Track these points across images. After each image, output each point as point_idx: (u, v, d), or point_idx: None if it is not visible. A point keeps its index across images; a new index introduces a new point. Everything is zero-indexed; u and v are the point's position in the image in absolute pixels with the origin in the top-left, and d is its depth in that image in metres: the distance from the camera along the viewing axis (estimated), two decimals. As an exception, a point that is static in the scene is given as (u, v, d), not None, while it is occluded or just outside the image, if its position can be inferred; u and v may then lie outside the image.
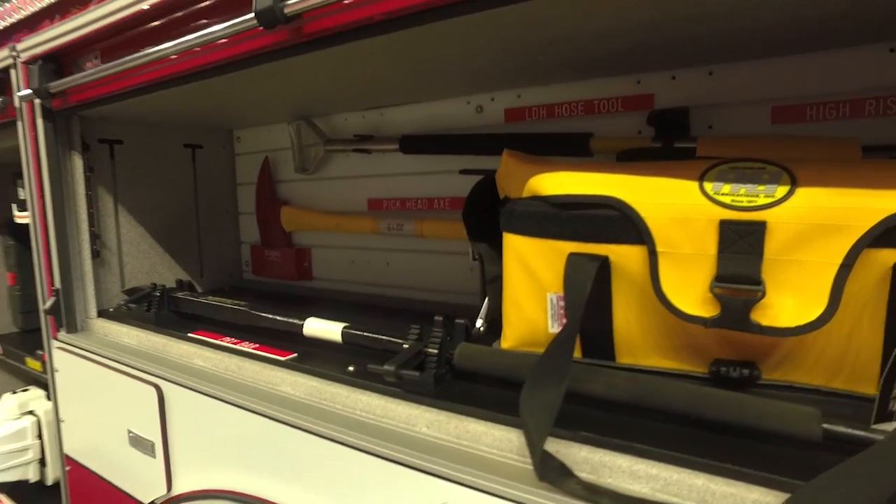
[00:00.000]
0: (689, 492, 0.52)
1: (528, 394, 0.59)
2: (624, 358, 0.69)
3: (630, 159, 0.76)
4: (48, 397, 1.96)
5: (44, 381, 1.66)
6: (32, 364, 1.77)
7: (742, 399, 0.56)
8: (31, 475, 2.02)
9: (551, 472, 0.55)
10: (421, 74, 1.00)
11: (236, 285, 1.66)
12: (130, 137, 1.39)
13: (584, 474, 0.56)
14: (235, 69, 0.80)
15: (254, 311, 1.04)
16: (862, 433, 0.50)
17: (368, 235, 1.35)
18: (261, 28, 0.67)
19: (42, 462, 2.03)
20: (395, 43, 0.73)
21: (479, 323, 0.83)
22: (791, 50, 0.79)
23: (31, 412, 2.03)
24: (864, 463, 0.42)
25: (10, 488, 2.06)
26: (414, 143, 1.19)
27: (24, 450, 1.99)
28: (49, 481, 2.01)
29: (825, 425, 0.51)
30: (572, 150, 0.95)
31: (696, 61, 0.87)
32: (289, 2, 0.65)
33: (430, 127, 1.21)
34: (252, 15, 0.67)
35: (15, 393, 2.08)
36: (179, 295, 1.20)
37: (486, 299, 0.84)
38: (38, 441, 2.00)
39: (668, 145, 0.85)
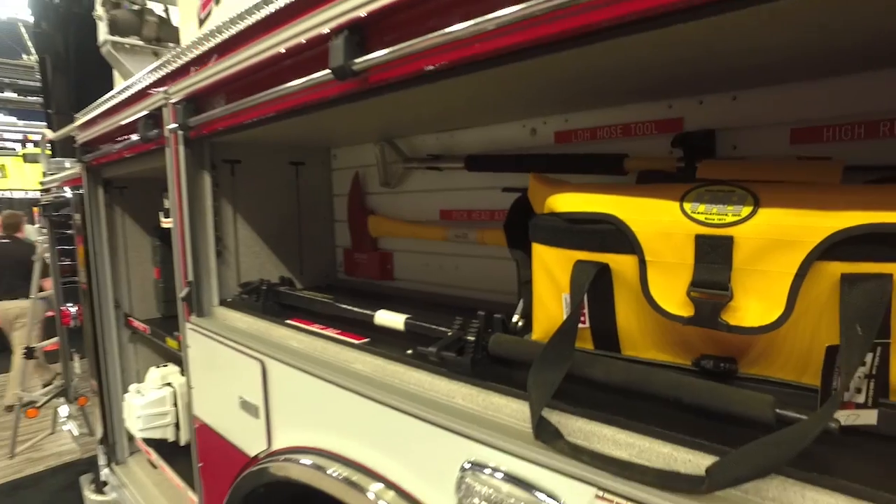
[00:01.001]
0: (658, 458, 0.63)
1: (534, 373, 0.73)
2: (627, 351, 0.80)
3: (648, 180, 0.87)
4: (182, 372, 2.34)
5: (179, 358, 2.01)
6: (171, 343, 2.14)
7: (713, 387, 0.66)
8: (170, 436, 2.42)
9: (545, 434, 0.68)
10: (480, 105, 1.16)
11: (330, 283, 1.91)
12: (247, 158, 1.68)
13: (577, 440, 0.69)
14: (318, 109, 1.02)
15: (338, 304, 1.26)
16: (806, 417, 0.59)
17: (439, 242, 1.53)
18: (336, 79, 0.87)
19: (177, 426, 2.42)
20: (448, 86, 0.90)
21: (515, 318, 0.98)
22: (807, 76, 0.86)
23: (169, 384, 2.43)
24: (770, 442, 0.52)
25: (155, 445, 2.48)
26: (477, 162, 1.35)
27: (164, 414, 2.39)
28: (182, 442, 2.40)
29: (778, 410, 0.60)
30: (609, 169, 1.06)
31: (721, 88, 0.95)
32: (356, 60, 0.84)
33: (491, 147, 1.37)
34: (329, 71, 0.87)
35: (158, 367, 2.50)
36: (281, 289, 1.45)
37: (521, 299, 0.98)
38: (174, 408, 2.40)
39: (692, 165, 0.94)
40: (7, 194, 17.49)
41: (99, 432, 2.85)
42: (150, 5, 2.83)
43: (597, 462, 0.64)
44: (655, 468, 0.61)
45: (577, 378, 0.76)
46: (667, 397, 0.68)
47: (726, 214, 0.65)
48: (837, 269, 0.59)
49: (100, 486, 2.91)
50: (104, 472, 2.82)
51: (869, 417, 0.58)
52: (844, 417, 0.58)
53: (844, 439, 0.59)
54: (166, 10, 2.95)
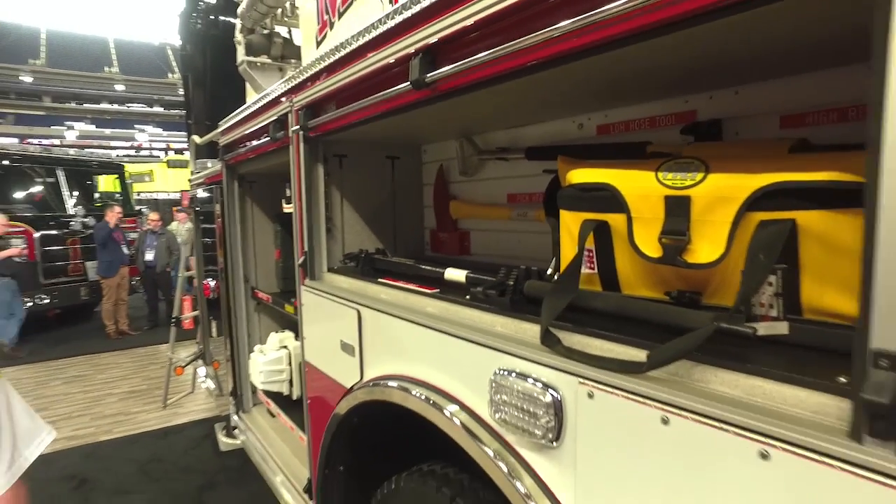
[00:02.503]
0: (624, 356, 0.87)
1: (546, 300, 0.99)
2: (625, 290, 1.03)
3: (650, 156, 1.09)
4: (296, 337, 2.79)
5: (294, 325, 2.43)
6: (288, 308, 2.59)
7: (676, 310, 0.88)
8: (285, 390, 2.88)
9: (549, 341, 0.94)
10: (535, 105, 1.43)
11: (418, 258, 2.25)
12: (352, 153, 2.06)
13: (572, 346, 0.94)
14: (400, 113, 1.34)
15: (417, 265, 1.57)
16: (738, 328, 0.79)
17: (506, 221, 1.80)
18: (413, 89, 1.18)
19: (290, 383, 2.89)
20: (503, 90, 1.17)
21: (549, 270, 1.23)
22: (792, 72, 1.04)
23: (285, 346, 2.90)
24: (684, 339, 0.75)
25: (273, 397, 2.97)
26: (535, 152, 1.61)
27: (281, 371, 2.86)
28: (294, 397, 2.85)
29: (717, 323, 0.82)
30: (635, 154, 1.27)
31: (725, 84, 1.14)
32: (428, 75, 1.14)
33: (547, 139, 1.62)
34: (409, 83, 1.18)
35: (276, 332, 2.99)
36: (376, 256, 1.80)
37: (554, 256, 1.23)
38: (289, 367, 2.87)
39: (699, 148, 1.14)
40: (154, 195, 19.98)
41: (230, 387, 3.43)
42: (277, 29, 3.35)
43: (582, 359, 0.89)
44: (619, 359, 0.85)
45: (585, 309, 1.01)
46: (642, 319, 0.91)
47: (686, 180, 0.87)
48: (758, 217, 0.80)
49: (230, 432, 3.48)
50: (234, 419, 3.38)
51: (782, 328, 0.78)
52: (764, 328, 0.79)
53: (766, 346, 0.79)
54: (289, 32, 3.47)
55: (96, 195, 9.92)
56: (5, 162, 8.24)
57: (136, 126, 38.84)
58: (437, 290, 1.40)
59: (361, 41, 1.39)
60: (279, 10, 3.10)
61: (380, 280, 1.64)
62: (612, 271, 1.03)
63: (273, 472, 2.68)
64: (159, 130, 38.29)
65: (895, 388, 0.53)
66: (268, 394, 3.00)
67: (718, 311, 0.83)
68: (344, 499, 1.94)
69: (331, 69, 1.60)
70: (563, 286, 0.99)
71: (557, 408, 0.93)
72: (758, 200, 0.79)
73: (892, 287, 0.54)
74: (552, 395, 0.93)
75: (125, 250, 8.04)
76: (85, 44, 46.25)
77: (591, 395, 0.87)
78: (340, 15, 2.05)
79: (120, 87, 41.77)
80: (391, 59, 1.28)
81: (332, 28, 2.11)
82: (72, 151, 10.74)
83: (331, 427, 1.79)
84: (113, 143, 35.37)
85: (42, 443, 1.14)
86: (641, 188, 0.93)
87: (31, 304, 7.42)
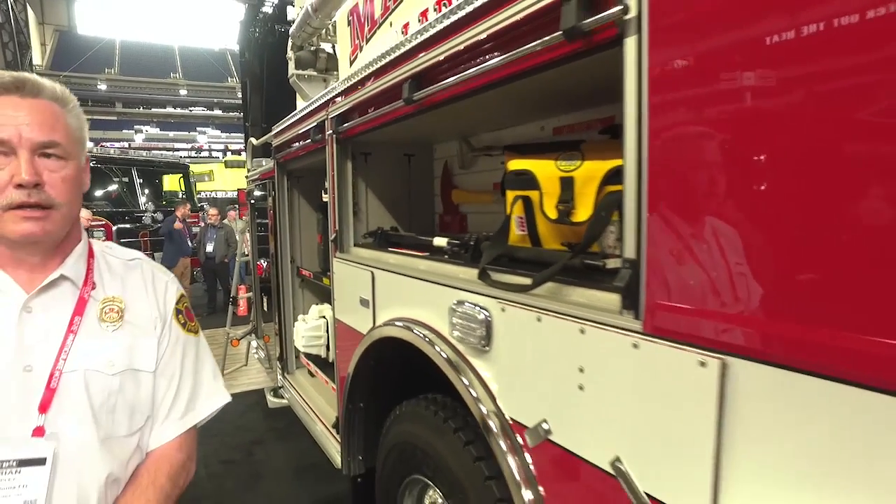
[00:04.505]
0: (521, 282, 1.30)
1: (485, 252, 1.43)
2: (544, 244, 1.46)
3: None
4: (332, 308, 3.31)
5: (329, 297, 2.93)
6: (325, 281, 3.09)
7: (559, 253, 1.31)
8: (323, 353, 3.40)
9: (483, 277, 1.39)
10: (506, 113, 1.87)
11: (429, 240, 2.71)
12: (375, 151, 2.54)
13: (497, 279, 1.38)
14: (397, 122, 1.81)
15: (416, 237, 2.04)
16: (593, 262, 1.21)
17: (490, 204, 2.24)
18: (405, 105, 1.65)
19: (327, 347, 3.40)
20: (468, 104, 1.61)
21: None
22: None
23: (323, 316, 3.42)
24: (551, 269, 1.18)
25: (313, 359, 3.50)
26: (510, 149, 2.04)
27: (319, 337, 3.38)
28: (330, 359, 3.36)
29: (582, 260, 1.24)
30: (573, 149, 1.69)
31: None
32: (415, 94, 1.60)
33: (519, 139, 2.05)
34: (402, 101, 1.65)
35: (317, 305, 3.51)
36: (389, 232, 2.28)
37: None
38: (326, 333, 3.38)
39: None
40: (213, 194, 21.24)
41: (277, 352, 3.99)
42: (322, 45, 3.89)
43: (499, 286, 1.33)
44: (518, 284, 1.28)
45: (514, 258, 1.45)
46: (543, 261, 1.35)
47: (571, 166, 1.31)
48: (607, 189, 1.22)
49: (277, 392, 4.05)
50: (280, 381, 3.95)
51: (617, 263, 1.19)
52: (612, 262, 1.20)
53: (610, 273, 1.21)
54: (333, 48, 4.01)
55: (163, 193, 10.91)
56: (92, 163, 9.24)
57: (197, 129, 41.00)
58: (428, 254, 1.86)
59: (373, 68, 1.87)
60: (323, 31, 3.63)
61: (389, 249, 2.11)
62: (535, 231, 1.46)
63: (313, 422, 3.20)
64: (218, 132, 40.29)
65: (628, 279, 0.96)
66: (308, 357, 3.53)
67: (591, 254, 1.26)
68: (364, 429, 2.43)
69: (353, 88, 2.09)
70: (497, 241, 1.43)
71: (487, 322, 1.37)
72: (606, 179, 1.22)
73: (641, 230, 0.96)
74: (484, 313, 1.38)
75: (189, 243, 8.88)
76: (153, 52, 49.10)
77: (503, 310, 1.31)
78: (368, 40, 2.54)
79: (183, 92, 44.18)
80: (393, 83, 1.75)
81: (361, 50, 2.61)
82: (142, 153, 11.78)
83: (352, 369, 2.28)
84: (176, 146, 37.54)
85: (216, 404, 1.19)
86: (547, 172, 1.36)
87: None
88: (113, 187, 9.66)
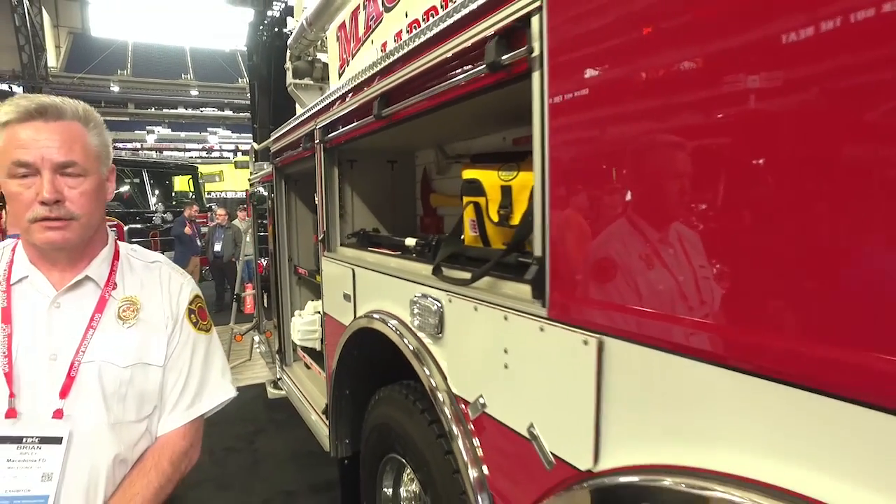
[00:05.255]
0: (463, 277, 1.50)
1: (441, 248, 1.63)
2: (492, 244, 1.66)
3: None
4: (321, 303, 3.52)
5: (322, 288, 3.15)
6: (319, 279, 3.31)
7: (498, 251, 1.50)
8: (318, 347, 3.61)
9: (436, 273, 1.59)
10: (473, 126, 2.06)
11: (412, 240, 2.91)
12: (360, 158, 2.74)
13: (449, 275, 1.58)
14: (369, 135, 2.00)
15: (391, 237, 2.24)
16: (517, 259, 1.40)
17: (460, 207, 2.43)
18: (375, 119, 1.85)
19: (321, 340, 3.60)
20: (438, 117, 1.81)
21: (462, 235, 1.86)
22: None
23: (318, 312, 3.63)
24: (488, 265, 1.38)
25: (308, 352, 3.71)
26: (478, 157, 2.23)
27: (314, 331, 3.59)
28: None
29: (514, 258, 1.43)
30: (524, 158, 1.89)
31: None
32: (384, 111, 1.80)
33: (486, 148, 2.24)
34: (373, 116, 1.85)
35: (312, 301, 3.72)
36: (370, 233, 2.48)
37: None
38: (320, 328, 3.58)
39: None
40: (223, 194, 21.55)
41: (276, 346, 4.21)
42: (318, 56, 4.10)
43: (447, 281, 1.53)
44: (460, 278, 1.48)
45: (465, 256, 1.64)
46: (486, 258, 1.54)
47: (510, 175, 1.50)
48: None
49: (276, 384, 4.27)
50: (278, 373, 4.17)
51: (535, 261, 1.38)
52: (532, 260, 1.39)
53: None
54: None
55: (173, 193, 11.20)
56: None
57: (208, 129, 41.44)
58: (400, 253, 2.06)
59: (350, 86, 2.07)
60: (318, 42, 3.83)
61: (369, 249, 2.32)
62: (484, 232, 1.66)
63: (307, 411, 3.42)
64: (228, 133, 40.72)
65: (535, 273, 1.15)
66: (304, 350, 3.75)
67: (522, 252, 1.45)
68: (349, 415, 2.63)
69: (336, 102, 2.30)
70: (450, 242, 1.63)
71: (440, 312, 1.57)
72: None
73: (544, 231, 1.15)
74: (437, 304, 1.58)
75: (197, 242, 9.16)
76: (165, 53, 49.66)
77: (451, 301, 1.51)
78: (353, 55, 2.75)
79: (194, 93, 44.68)
80: (366, 100, 1.95)
81: (348, 65, 2.81)
82: (153, 154, 12.06)
83: (337, 358, 2.49)
84: (187, 146, 38.01)
85: (221, 398, 1.30)
86: (491, 181, 1.56)
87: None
88: (124, 188, 9.96)
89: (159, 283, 1.23)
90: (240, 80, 43.83)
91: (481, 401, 1.39)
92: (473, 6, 1.27)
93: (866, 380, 0.64)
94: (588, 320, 1.04)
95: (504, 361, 1.28)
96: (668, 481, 0.90)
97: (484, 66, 1.24)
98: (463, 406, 1.49)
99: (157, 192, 10.24)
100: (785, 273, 0.72)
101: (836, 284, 0.67)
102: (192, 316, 1.26)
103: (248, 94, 6.48)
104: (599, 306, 1.02)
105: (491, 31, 1.23)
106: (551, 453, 1.15)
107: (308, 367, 3.79)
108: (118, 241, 1.25)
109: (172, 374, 1.20)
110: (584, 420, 1.05)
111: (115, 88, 42.59)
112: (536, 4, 1.10)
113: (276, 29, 5.19)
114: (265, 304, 4.65)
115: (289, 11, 5.06)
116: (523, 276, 1.22)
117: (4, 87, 32.66)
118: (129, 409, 1.14)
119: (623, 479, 0.98)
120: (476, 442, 1.46)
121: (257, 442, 4.38)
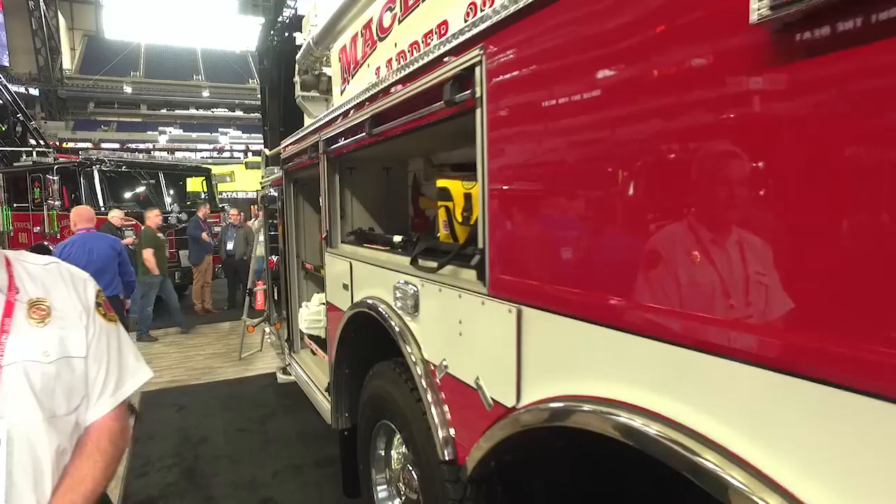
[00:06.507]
0: (431, 266, 1.87)
1: (418, 245, 2.01)
2: (460, 240, 2.03)
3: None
4: (325, 293, 3.91)
5: (326, 281, 3.54)
6: (323, 272, 3.69)
7: (460, 246, 1.88)
8: (322, 334, 3.99)
9: (414, 263, 1.96)
10: (448, 141, 2.43)
11: (405, 238, 3.29)
12: (359, 166, 3.13)
13: (423, 264, 1.95)
14: (362, 150, 2.38)
15: (384, 235, 2.62)
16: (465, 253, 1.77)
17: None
18: (367, 136, 2.23)
19: (325, 329, 3.99)
20: (419, 135, 2.19)
21: (437, 233, 2.23)
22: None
23: (323, 303, 4.01)
24: (448, 257, 1.76)
25: (315, 340, 4.10)
26: (457, 167, 2.60)
27: (319, 320, 3.98)
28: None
29: (457, 251, 1.80)
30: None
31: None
32: (374, 130, 2.18)
33: (464, 158, 2.61)
34: (365, 134, 2.23)
35: (317, 294, 4.11)
36: (366, 231, 2.86)
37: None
38: (325, 317, 3.97)
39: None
40: (234, 195, 22.01)
41: (285, 335, 4.61)
42: (324, 69, 4.48)
43: (420, 270, 1.90)
44: (429, 267, 1.85)
45: (435, 250, 2.01)
46: (453, 251, 1.92)
47: (470, 185, 1.87)
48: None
49: (285, 370, 4.67)
50: (287, 360, 4.57)
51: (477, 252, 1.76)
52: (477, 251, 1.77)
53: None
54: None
55: (188, 194, 11.65)
56: (122, 168, 10.03)
57: (219, 130, 42.04)
58: (389, 248, 2.44)
59: (347, 107, 2.46)
60: (324, 58, 4.22)
61: (364, 245, 2.70)
62: (454, 231, 2.04)
63: (313, 391, 3.81)
64: (239, 133, 41.34)
65: (478, 261, 1.52)
66: (311, 338, 4.14)
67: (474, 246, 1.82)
68: (349, 390, 3.01)
69: (336, 119, 2.68)
70: (425, 239, 2.01)
71: (416, 295, 1.95)
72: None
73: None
74: (413, 288, 1.96)
75: (211, 241, 9.59)
76: (177, 54, 50.38)
77: (423, 285, 1.88)
78: (353, 75, 3.14)
79: (206, 94, 45.35)
80: (359, 120, 2.33)
81: (348, 84, 3.20)
82: (167, 156, 12.50)
83: (337, 340, 2.87)
84: (199, 146, 38.64)
85: (141, 379, 1.35)
86: (457, 189, 1.94)
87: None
88: (141, 189, 10.42)
89: (62, 281, 1.26)
90: (250, 80, 44.48)
91: (444, 363, 1.77)
92: (433, 55, 1.66)
93: (687, 330, 1.01)
94: (512, 295, 1.42)
95: (459, 330, 1.66)
96: (563, 405, 1.27)
97: (442, 102, 1.62)
98: (432, 368, 1.87)
99: (172, 193, 10.68)
100: (629, 249, 1.09)
101: (658, 259, 1.04)
102: (101, 308, 1.29)
103: (259, 97, 6.75)
104: (519, 284, 1.39)
105: (448, 76, 1.60)
106: (490, 398, 1.53)
107: (314, 353, 4.19)
108: (2, 251, 1.25)
109: (94, 363, 1.24)
110: (510, 370, 1.42)
111: (128, 90, 43.31)
112: (477, 59, 1.48)
113: (287, 34, 5.45)
114: (275, 298, 5.05)
115: (298, 18, 5.31)
116: (471, 263, 1.59)
117: (21, 89, 33.45)
118: (60, 402, 1.16)
119: (536, 409, 1.35)
120: (441, 395, 1.84)
121: (268, 424, 4.78)
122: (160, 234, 7.94)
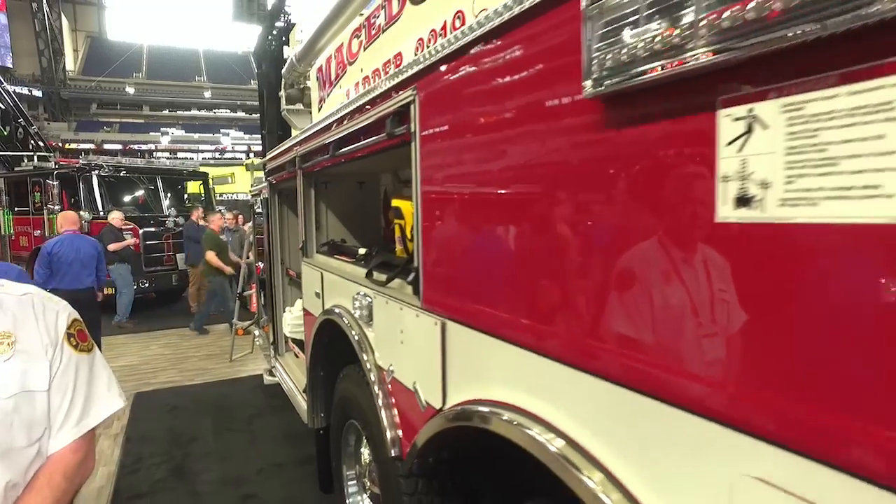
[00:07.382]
0: (381, 279, 2.05)
1: (374, 259, 2.19)
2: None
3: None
4: (302, 300, 4.10)
5: (306, 287, 3.73)
6: (303, 279, 3.88)
7: (401, 260, 2.06)
8: (304, 338, 4.17)
9: (368, 276, 2.15)
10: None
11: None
12: (333, 180, 3.31)
13: (377, 278, 2.13)
14: (329, 169, 2.57)
15: (351, 246, 2.81)
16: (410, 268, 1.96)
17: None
18: (332, 157, 2.42)
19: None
20: (386, 155, 2.37)
21: (398, 248, 2.42)
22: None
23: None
24: (399, 272, 1.94)
25: (297, 343, 4.28)
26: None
27: (302, 325, 4.15)
28: (309, 341, 4.13)
29: (403, 265, 1.99)
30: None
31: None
32: (337, 152, 2.36)
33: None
34: (330, 154, 2.41)
35: (300, 300, 4.29)
36: (337, 243, 3.05)
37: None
38: (306, 321, 4.15)
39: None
40: (234, 196, 22.21)
41: (270, 338, 4.81)
42: (307, 84, 4.67)
43: (373, 282, 2.09)
44: (380, 281, 2.03)
45: (389, 264, 2.20)
46: (403, 265, 2.10)
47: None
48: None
49: (271, 372, 4.86)
50: (272, 362, 4.76)
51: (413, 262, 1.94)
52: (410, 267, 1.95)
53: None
54: (318, 85, 4.78)
55: (186, 196, 11.86)
56: (120, 173, 10.24)
57: (221, 131, 42.29)
58: (353, 260, 2.63)
59: (316, 128, 2.64)
60: (307, 74, 4.41)
61: (335, 256, 2.89)
62: (406, 246, 2.22)
63: (294, 393, 4.00)
64: (241, 134, 41.59)
65: (413, 276, 1.71)
66: (294, 341, 4.33)
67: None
68: (323, 391, 3.20)
69: (309, 139, 2.87)
70: (380, 253, 2.19)
71: (370, 305, 2.13)
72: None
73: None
74: (368, 299, 2.14)
75: (207, 243, 9.79)
76: (179, 56, 50.66)
77: (375, 297, 2.07)
78: (328, 94, 3.32)
79: (207, 94, 45.60)
80: (326, 142, 2.52)
81: (324, 102, 3.39)
82: (169, 157, 12.71)
83: (310, 344, 3.06)
84: (201, 147, 38.88)
85: (109, 410, 1.33)
86: (407, 208, 2.12)
87: (135, 287, 9.28)
88: (139, 193, 10.64)
89: (34, 314, 1.25)
90: (252, 81, 44.64)
91: (391, 368, 1.96)
92: (379, 91, 1.84)
93: (555, 346, 1.20)
94: (439, 309, 1.60)
95: (401, 339, 1.84)
96: (479, 408, 1.44)
97: (384, 134, 1.80)
98: (384, 373, 2.05)
99: (170, 196, 10.89)
100: (521, 274, 1.27)
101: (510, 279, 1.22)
102: (72, 339, 1.29)
103: (258, 101, 6.87)
104: (444, 300, 1.58)
105: (390, 111, 1.79)
106: (424, 400, 1.71)
107: (297, 357, 4.37)
108: None
109: (57, 395, 1.22)
110: (437, 376, 1.60)
111: (131, 91, 43.59)
112: (411, 98, 1.66)
113: (284, 38, 5.59)
114: (262, 302, 5.25)
115: (293, 26, 5.43)
116: (408, 279, 1.77)
117: (25, 91, 33.75)
118: (18, 436, 1.15)
119: (457, 410, 1.53)
120: (391, 399, 2.02)
121: (255, 424, 4.97)
122: (222, 237, 8.44)
